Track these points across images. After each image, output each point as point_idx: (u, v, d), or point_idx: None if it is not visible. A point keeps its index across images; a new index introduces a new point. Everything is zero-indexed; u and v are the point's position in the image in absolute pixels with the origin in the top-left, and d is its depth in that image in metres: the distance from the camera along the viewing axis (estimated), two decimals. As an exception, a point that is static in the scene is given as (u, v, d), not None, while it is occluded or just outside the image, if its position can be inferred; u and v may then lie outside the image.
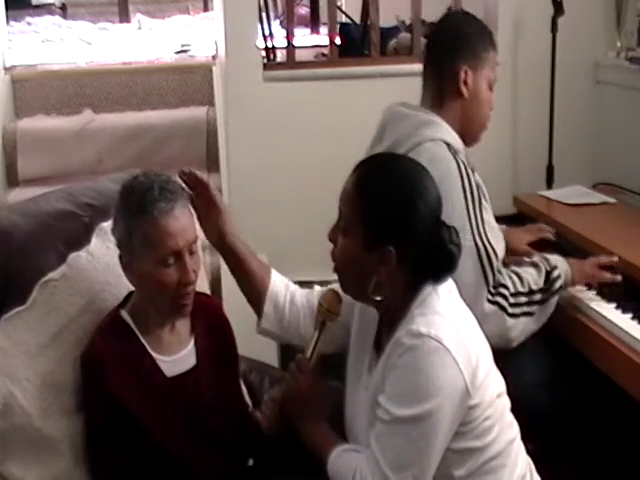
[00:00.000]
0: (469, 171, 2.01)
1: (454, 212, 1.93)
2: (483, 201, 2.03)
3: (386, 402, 1.52)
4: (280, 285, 1.88)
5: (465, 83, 2.10)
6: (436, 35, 2.26)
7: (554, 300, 2.03)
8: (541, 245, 2.43)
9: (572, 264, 2.10)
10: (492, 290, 1.95)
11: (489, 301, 1.94)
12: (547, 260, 2.07)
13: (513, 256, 2.19)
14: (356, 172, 1.61)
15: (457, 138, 2.08)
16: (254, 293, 1.86)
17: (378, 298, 1.60)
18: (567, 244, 2.44)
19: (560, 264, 2.07)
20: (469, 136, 2.13)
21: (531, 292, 1.99)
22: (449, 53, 2.12)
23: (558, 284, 2.03)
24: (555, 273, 2.03)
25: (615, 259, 2.15)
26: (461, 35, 2.14)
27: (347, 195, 1.59)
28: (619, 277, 2.12)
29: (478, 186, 2.02)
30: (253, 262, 1.87)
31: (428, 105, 2.13)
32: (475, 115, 2.14)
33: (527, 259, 2.11)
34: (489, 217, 2.05)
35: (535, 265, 2.05)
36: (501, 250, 2.04)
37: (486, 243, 1.97)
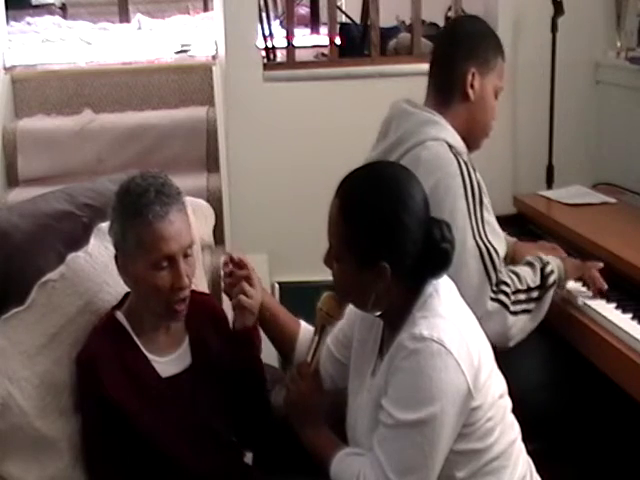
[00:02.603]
0: (471, 170, 2.00)
1: (456, 212, 1.94)
2: (484, 200, 2.02)
3: (389, 406, 1.52)
4: (308, 335, 1.88)
5: (472, 86, 2.09)
6: (447, 35, 2.25)
7: (549, 296, 2.03)
8: None
9: (565, 259, 2.12)
10: (494, 288, 1.95)
11: (492, 299, 1.94)
12: (539, 257, 2.08)
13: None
14: (338, 195, 1.59)
15: (459, 140, 2.06)
16: (284, 345, 1.92)
17: (378, 313, 1.62)
18: (567, 244, 2.44)
19: (552, 259, 2.08)
20: (470, 141, 2.11)
21: (529, 289, 2.00)
22: (459, 54, 2.10)
23: (552, 279, 2.03)
24: (548, 268, 2.04)
25: (600, 265, 2.16)
26: (473, 38, 2.13)
27: (333, 223, 1.59)
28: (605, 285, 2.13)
29: (479, 185, 2.01)
30: (284, 317, 1.93)
31: (432, 105, 2.11)
32: (479, 120, 2.12)
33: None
34: (489, 216, 2.05)
35: (530, 264, 2.06)
36: (502, 249, 2.04)
37: (487, 242, 1.97)
